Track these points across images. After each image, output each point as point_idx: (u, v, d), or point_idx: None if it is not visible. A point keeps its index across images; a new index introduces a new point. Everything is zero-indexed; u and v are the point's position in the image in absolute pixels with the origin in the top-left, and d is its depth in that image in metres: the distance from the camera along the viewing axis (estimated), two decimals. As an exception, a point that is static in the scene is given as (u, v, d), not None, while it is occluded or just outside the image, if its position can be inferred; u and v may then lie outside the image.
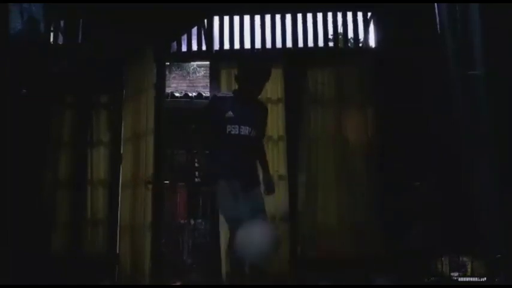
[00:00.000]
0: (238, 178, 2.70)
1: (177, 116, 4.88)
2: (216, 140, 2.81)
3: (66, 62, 4.21)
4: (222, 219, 2.90)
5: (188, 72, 7.28)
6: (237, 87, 2.89)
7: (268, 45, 4.37)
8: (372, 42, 4.42)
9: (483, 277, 2.62)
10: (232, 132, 2.75)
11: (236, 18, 4.42)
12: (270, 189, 2.96)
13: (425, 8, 3.87)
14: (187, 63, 7.00)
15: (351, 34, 4.46)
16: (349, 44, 4.57)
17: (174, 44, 4.45)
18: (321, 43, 4.35)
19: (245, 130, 2.77)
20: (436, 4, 3.77)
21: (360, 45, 4.43)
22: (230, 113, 2.76)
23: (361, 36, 4.41)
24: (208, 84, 4.65)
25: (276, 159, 4.04)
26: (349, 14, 4.42)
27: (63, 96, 4.29)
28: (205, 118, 2.93)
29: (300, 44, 4.37)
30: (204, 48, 4.41)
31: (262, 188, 2.90)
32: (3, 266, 3.23)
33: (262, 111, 2.98)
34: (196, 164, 6.31)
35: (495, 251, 2.78)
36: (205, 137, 2.92)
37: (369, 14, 4.41)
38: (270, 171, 3.07)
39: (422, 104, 3.84)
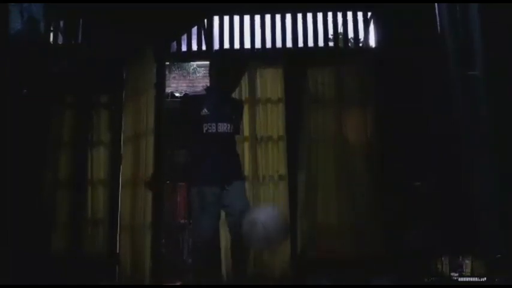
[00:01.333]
0: (216, 181, 2.65)
1: (177, 116, 4.87)
2: (194, 140, 2.72)
3: (66, 62, 4.21)
4: (222, 217, 2.88)
5: (188, 72, 7.28)
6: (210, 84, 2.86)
7: (268, 45, 4.37)
8: (372, 42, 4.42)
9: (483, 277, 2.62)
10: (210, 131, 2.66)
11: (236, 18, 4.42)
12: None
13: (425, 8, 3.87)
14: (187, 63, 6.99)
15: (351, 34, 4.45)
16: (349, 44, 4.56)
17: (174, 44, 4.44)
18: (321, 43, 4.35)
19: (223, 127, 2.68)
20: (436, 4, 3.77)
21: (360, 45, 4.43)
22: (205, 111, 2.66)
23: (361, 36, 4.40)
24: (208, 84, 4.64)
25: (276, 159, 4.04)
26: (349, 14, 4.41)
27: (63, 96, 4.28)
28: (180, 118, 2.88)
29: (300, 44, 4.36)
30: (204, 48, 4.41)
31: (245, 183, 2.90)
32: (3, 266, 3.24)
33: (238, 106, 2.92)
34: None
35: (495, 251, 2.78)
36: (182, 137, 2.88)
37: (369, 14, 4.40)
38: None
39: (422, 104, 3.84)
